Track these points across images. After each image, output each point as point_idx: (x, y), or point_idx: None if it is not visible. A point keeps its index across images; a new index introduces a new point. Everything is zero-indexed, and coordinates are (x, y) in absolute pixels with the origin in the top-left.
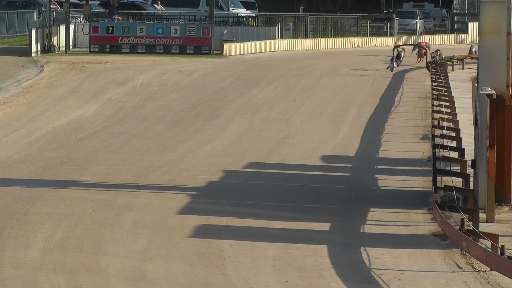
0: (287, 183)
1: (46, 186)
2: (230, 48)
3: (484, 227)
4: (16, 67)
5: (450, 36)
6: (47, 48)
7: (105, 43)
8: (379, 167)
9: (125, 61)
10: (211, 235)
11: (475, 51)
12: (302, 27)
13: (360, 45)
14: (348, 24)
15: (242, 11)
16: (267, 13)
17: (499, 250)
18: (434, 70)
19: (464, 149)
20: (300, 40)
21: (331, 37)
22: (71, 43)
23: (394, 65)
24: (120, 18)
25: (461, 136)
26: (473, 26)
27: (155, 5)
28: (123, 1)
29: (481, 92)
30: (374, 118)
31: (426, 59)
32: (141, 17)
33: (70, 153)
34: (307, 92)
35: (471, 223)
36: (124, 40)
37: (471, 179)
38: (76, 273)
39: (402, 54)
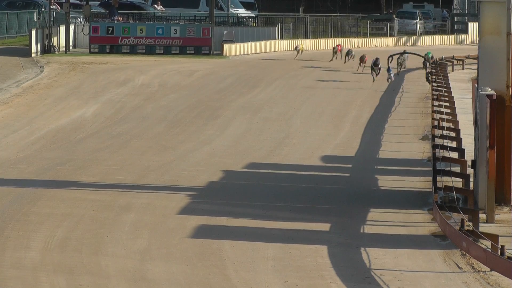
0: (287, 184)
1: (46, 187)
2: (230, 49)
3: (484, 228)
4: (16, 67)
5: (450, 36)
6: (47, 49)
7: (105, 44)
8: (379, 167)
9: (125, 61)
10: (211, 235)
11: (432, 56)
12: (302, 27)
13: (360, 46)
14: (348, 24)
15: (242, 12)
16: (267, 14)
17: (499, 251)
18: (435, 84)
19: (464, 149)
20: (300, 41)
21: (331, 37)
22: (71, 43)
23: (391, 75)
24: (121, 18)
25: (461, 137)
26: (473, 27)
27: (155, 6)
28: (123, 2)
29: (481, 92)
30: (374, 118)
31: (426, 69)
32: (141, 18)
33: (70, 154)
34: (307, 92)
35: (471, 224)
36: (124, 41)
37: (471, 179)
38: (76, 274)
39: (379, 62)
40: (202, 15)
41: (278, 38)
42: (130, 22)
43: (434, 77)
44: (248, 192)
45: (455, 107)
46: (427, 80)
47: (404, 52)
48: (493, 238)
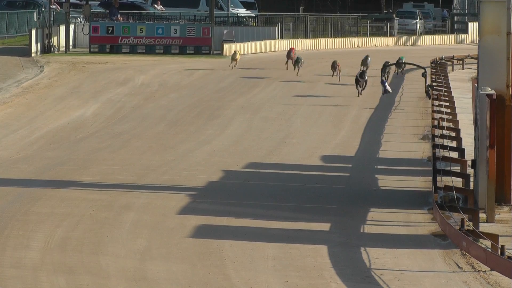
0: (287, 183)
1: (46, 186)
2: (230, 48)
3: (484, 227)
4: (16, 67)
5: (450, 36)
6: (47, 48)
7: (105, 43)
8: (379, 167)
9: (125, 61)
10: (211, 235)
11: (404, 61)
12: (302, 27)
13: (360, 45)
14: (348, 24)
15: (242, 11)
16: (267, 13)
17: (499, 250)
18: (436, 98)
19: (464, 149)
20: (300, 40)
21: (331, 37)
22: (71, 43)
23: (387, 87)
24: (121, 18)
25: (461, 136)
26: (473, 26)
27: (155, 5)
28: (123, 1)
29: (481, 92)
30: (374, 118)
31: (426, 82)
32: (141, 17)
33: (70, 153)
34: (307, 92)
35: (471, 223)
36: (124, 40)
37: (471, 179)
38: (76, 273)
39: (366, 74)
40: (202, 15)
41: (278, 38)
42: (130, 22)
43: (435, 92)
44: (248, 192)
45: (455, 107)
46: (427, 95)
47: (401, 62)
48: (493, 237)
